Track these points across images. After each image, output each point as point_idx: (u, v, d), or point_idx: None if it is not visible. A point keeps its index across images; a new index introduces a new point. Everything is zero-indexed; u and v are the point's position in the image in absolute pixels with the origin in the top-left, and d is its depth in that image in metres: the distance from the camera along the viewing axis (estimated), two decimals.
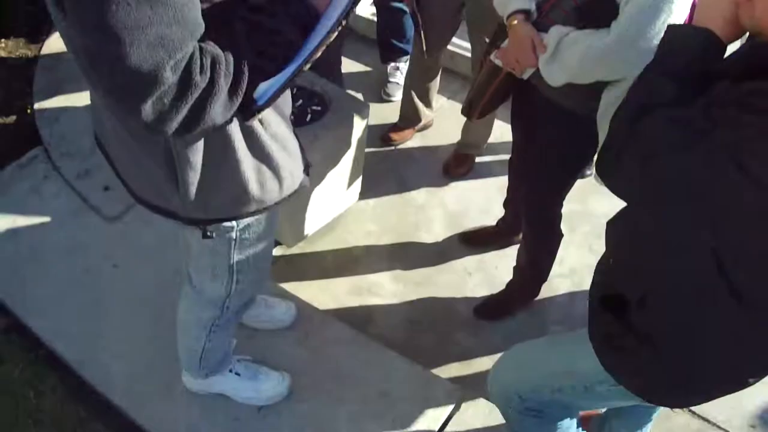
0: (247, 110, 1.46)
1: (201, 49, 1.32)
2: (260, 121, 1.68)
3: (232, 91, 1.38)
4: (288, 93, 1.87)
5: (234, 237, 1.92)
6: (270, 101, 1.46)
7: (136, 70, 1.24)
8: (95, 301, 3.02)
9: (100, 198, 3.40)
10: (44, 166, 3.63)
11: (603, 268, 1.78)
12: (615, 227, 1.66)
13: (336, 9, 1.46)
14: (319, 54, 1.45)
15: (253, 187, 1.75)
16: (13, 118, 3.99)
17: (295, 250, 3.41)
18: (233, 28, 1.41)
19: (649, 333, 1.60)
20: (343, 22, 1.43)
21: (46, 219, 3.38)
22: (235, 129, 1.62)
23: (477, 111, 2.66)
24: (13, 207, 3.43)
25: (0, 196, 3.50)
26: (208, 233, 1.84)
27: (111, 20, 1.19)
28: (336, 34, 1.44)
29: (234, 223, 1.87)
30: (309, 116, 3.04)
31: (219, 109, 1.38)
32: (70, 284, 3.10)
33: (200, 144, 1.61)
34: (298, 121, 2.86)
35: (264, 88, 1.44)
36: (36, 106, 3.98)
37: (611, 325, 1.70)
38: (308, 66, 1.47)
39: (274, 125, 1.75)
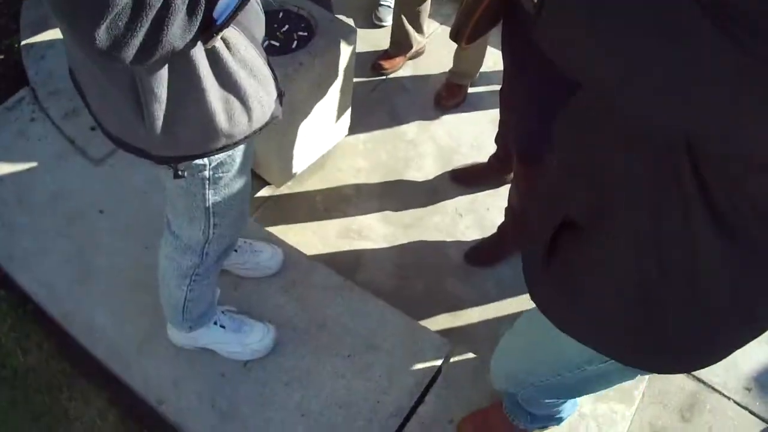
0: (206, 30, 1.36)
1: None
2: (227, 44, 1.54)
3: (191, 10, 1.29)
4: (260, 14, 1.73)
5: (207, 176, 1.77)
6: (229, 19, 1.34)
7: None
8: (81, 250, 2.82)
9: (87, 139, 3.18)
10: (31, 107, 3.39)
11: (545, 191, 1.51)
12: (565, 117, 1.39)
13: None
14: None
15: (221, 119, 1.60)
16: (0, 58, 3.73)
17: (283, 190, 3.20)
18: None
19: (607, 275, 1.32)
20: None
21: (32, 164, 3.16)
22: (199, 55, 1.47)
23: (466, 35, 2.35)
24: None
25: None
26: (180, 172, 1.71)
27: None
28: None
29: (206, 160, 1.72)
30: (295, 42, 2.80)
31: (177, 31, 1.28)
32: (57, 233, 2.89)
33: (164, 73, 1.46)
34: (284, 48, 2.74)
35: (223, 5, 1.33)
36: (23, 42, 3.72)
37: (555, 276, 1.44)
38: None
39: (242, 49, 1.59)
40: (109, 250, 2.81)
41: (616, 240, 1.27)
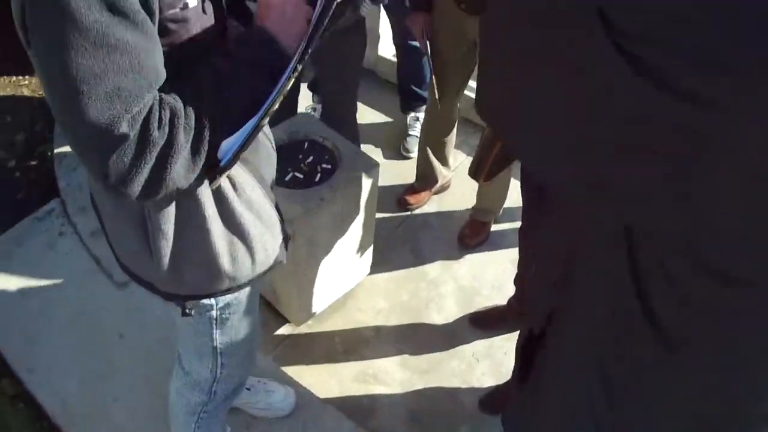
0: (211, 170, 1.41)
1: (161, 101, 1.29)
2: (233, 184, 1.61)
3: (194, 149, 1.33)
4: (271, 153, 1.83)
5: (214, 316, 1.84)
6: (233, 160, 1.39)
7: (94, 124, 1.21)
8: (100, 373, 2.96)
9: (112, 260, 3.20)
10: (60, 220, 3.59)
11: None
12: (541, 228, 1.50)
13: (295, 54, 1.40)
14: (277, 106, 1.39)
15: (225, 261, 1.67)
16: (33, 164, 3.97)
17: (303, 329, 3.30)
18: (199, 75, 1.37)
19: (564, 384, 1.39)
20: (299, 68, 1.37)
21: (58, 279, 3.33)
22: (205, 194, 1.54)
23: (485, 172, 2.45)
24: (28, 262, 3.39)
25: (17, 246, 3.46)
26: (187, 310, 1.77)
27: (69, 67, 1.18)
28: (291, 83, 1.38)
29: (212, 301, 1.79)
30: (319, 175, 2.91)
31: (181, 171, 1.32)
32: (77, 351, 3.03)
33: (172, 210, 1.54)
34: (307, 180, 2.85)
35: (227, 145, 1.37)
36: (56, 151, 3.93)
37: (525, 393, 1.53)
38: (267, 120, 1.40)
39: (249, 190, 1.67)
40: (126, 375, 2.93)
41: (565, 347, 1.36)
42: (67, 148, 3.82)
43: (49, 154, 3.95)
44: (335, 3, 1.33)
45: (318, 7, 1.37)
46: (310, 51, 1.37)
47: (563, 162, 1.08)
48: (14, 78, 4.50)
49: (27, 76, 4.49)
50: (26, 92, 4.42)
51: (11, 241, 3.48)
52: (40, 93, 4.38)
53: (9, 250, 3.43)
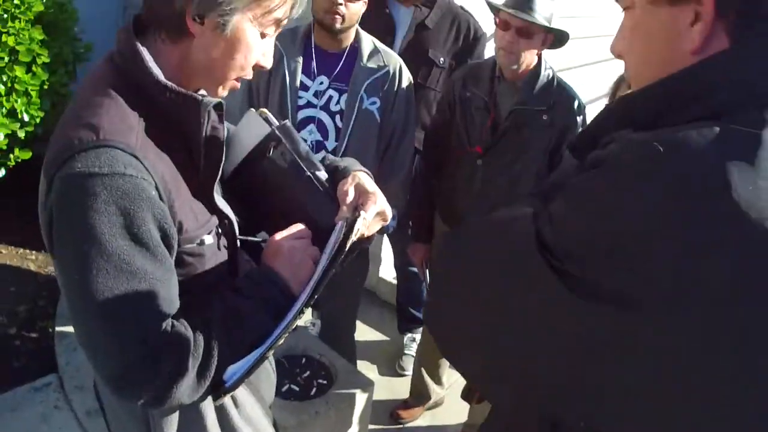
0: (215, 391, 1.48)
1: (172, 326, 1.37)
2: (234, 402, 1.71)
3: (200, 373, 1.41)
4: (271, 375, 1.93)
5: None
6: (237, 384, 1.45)
7: (107, 340, 1.30)
8: None
9: None
10: (56, 394, 3.66)
11: None
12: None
13: (301, 297, 1.51)
14: (282, 342, 1.47)
15: None
16: (34, 336, 4.06)
17: None
18: (209, 307, 1.47)
19: None
20: (304, 311, 1.49)
21: None
22: (208, 408, 1.64)
23: (476, 395, 2.62)
24: (21, 429, 3.43)
25: (11, 411, 3.52)
26: None
27: (90, 285, 1.26)
28: (297, 322, 1.47)
29: None
30: (314, 389, 3.07)
31: (186, 390, 1.39)
32: None
33: (175, 417, 1.61)
34: (303, 394, 2.99)
35: (233, 369, 1.45)
36: (57, 329, 4.06)
37: None
38: (272, 353, 1.50)
39: (249, 408, 1.77)
40: None
41: None
42: (69, 327, 3.95)
43: (50, 330, 4.07)
44: (342, 257, 1.48)
45: (325, 259, 1.52)
46: (316, 296, 1.48)
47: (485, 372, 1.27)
48: (21, 250, 4.67)
49: (34, 252, 4.67)
50: (32, 267, 4.58)
51: (6, 406, 3.55)
52: (46, 270, 4.56)
53: (2, 415, 3.49)
